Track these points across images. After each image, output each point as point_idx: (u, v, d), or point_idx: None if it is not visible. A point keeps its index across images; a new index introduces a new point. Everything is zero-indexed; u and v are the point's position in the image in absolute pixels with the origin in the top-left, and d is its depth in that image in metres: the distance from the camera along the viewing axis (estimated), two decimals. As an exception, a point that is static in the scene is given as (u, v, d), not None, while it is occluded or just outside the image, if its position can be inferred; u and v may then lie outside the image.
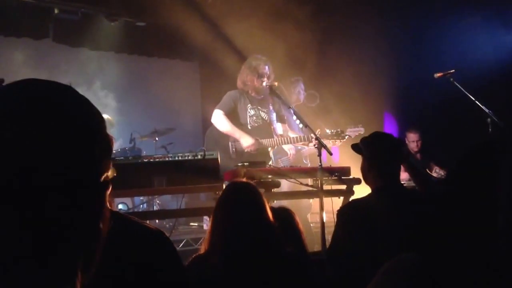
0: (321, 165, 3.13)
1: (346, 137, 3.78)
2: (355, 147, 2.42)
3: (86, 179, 0.60)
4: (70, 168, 0.58)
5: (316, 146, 3.22)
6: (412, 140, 5.36)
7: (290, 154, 4.33)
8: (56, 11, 6.01)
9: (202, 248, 1.81)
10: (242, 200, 1.80)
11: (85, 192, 0.60)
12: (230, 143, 3.95)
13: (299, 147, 4.48)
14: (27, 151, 0.56)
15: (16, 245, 0.54)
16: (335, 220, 2.33)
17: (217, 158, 3.18)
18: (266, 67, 4.01)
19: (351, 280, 2.02)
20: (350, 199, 3.16)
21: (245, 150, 3.89)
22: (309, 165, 4.46)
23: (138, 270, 0.90)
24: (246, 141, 3.87)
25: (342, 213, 2.32)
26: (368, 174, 2.33)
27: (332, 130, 3.77)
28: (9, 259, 0.54)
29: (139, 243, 0.93)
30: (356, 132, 3.90)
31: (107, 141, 0.66)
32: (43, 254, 0.55)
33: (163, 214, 4.87)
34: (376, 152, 2.31)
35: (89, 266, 0.62)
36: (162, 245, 0.96)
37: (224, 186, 3.18)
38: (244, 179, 2.13)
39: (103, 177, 0.63)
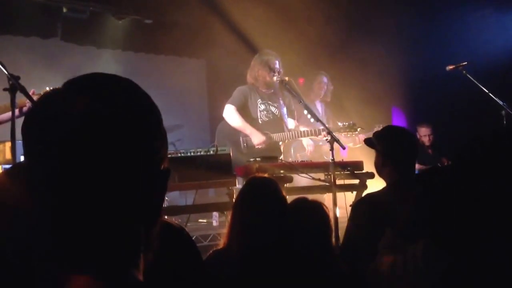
0: (333, 159, 3.09)
1: (359, 129, 3.75)
2: (368, 142, 2.39)
3: (150, 168, 0.65)
4: (136, 159, 0.63)
5: (327, 140, 3.18)
6: (424, 134, 5.31)
7: (308, 150, 4.30)
8: (64, 10, 6.02)
9: (221, 242, 1.80)
10: (263, 196, 1.79)
11: (150, 179, 0.65)
12: (241, 138, 3.94)
13: (320, 143, 4.46)
14: (96, 147, 0.60)
15: (89, 230, 0.59)
16: (349, 214, 2.31)
17: (229, 154, 3.17)
18: (277, 62, 4.00)
19: (364, 274, 2.00)
20: (364, 194, 3.13)
21: (256, 147, 3.88)
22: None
23: (160, 266, 0.89)
24: (257, 138, 3.86)
25: (356, 207, 2.30)
26: (383, 169, 2.30)
27: (344, 123, 3.73)
28: (79, 245, 0.59)
29: (162, 238, 0.92)
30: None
31: (165, 133, 0.71)
32: (111, 239, 0.61)
33: (173, 210, 4.85)
34: (391, 146, 2.28)
35: (149, 250, 0.68)
36: (185, 241, 0.96)
37: (236, 182, 3.17)
38: (266, 175, 2.10)
39: (163, 165, 0.69)
